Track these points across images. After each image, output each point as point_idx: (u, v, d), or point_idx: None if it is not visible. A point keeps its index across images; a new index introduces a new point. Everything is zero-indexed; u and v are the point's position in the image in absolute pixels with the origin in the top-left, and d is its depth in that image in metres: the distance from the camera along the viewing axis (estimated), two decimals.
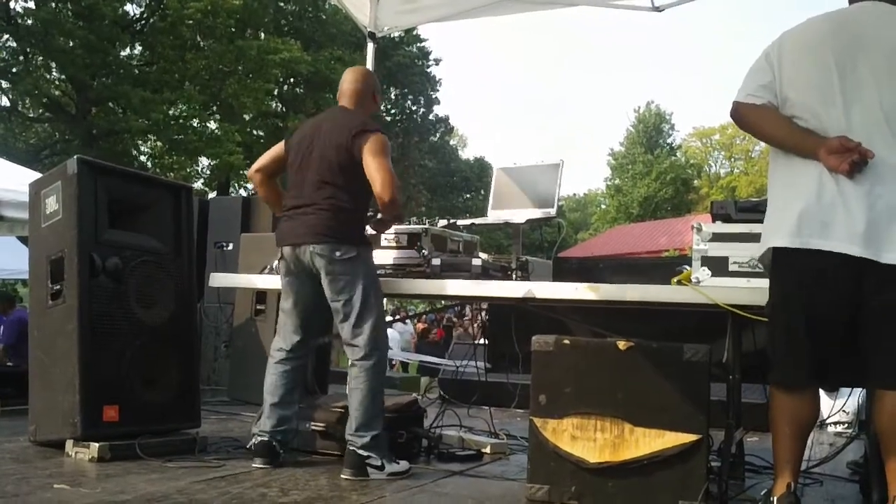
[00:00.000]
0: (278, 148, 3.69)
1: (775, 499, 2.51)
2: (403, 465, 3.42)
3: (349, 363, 3.44)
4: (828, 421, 5.19)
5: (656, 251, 22.63)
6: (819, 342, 2.49)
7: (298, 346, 3.59)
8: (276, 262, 3.59)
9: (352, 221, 3.44)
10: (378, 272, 3.59)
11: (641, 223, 34.99)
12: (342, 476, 3.30)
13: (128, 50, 22.78)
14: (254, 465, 3.45)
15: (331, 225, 3.35)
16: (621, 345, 3.00)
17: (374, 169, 3.33)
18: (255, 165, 3.75)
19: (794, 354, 2.54)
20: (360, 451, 3.32)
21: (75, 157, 3.72)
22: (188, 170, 25.59)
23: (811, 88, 2.54)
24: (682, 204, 40.49)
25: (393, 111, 31.65)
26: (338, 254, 3.34)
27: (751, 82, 2.64)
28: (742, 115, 2.66)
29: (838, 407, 4.90)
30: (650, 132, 43.08)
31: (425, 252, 3.72)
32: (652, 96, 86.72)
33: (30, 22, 19.86)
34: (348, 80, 3.64)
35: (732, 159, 44.35)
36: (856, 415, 4.98)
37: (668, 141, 44.17)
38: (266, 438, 3.49)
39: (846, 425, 5.37)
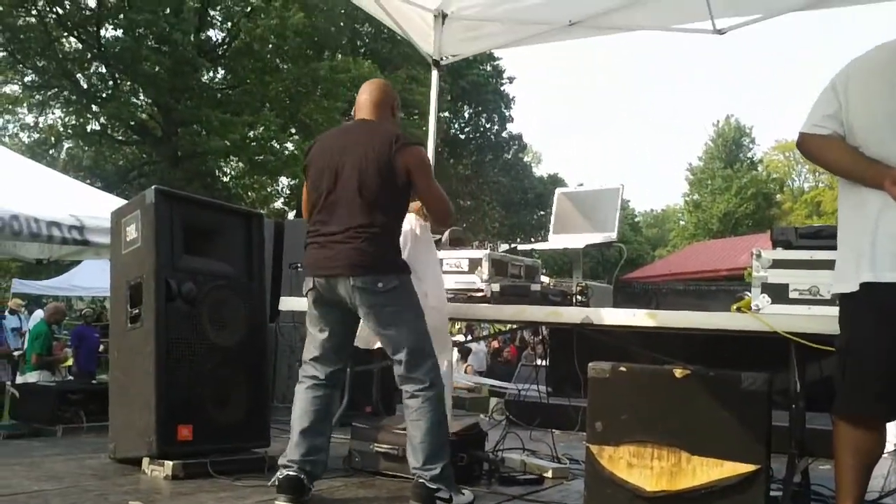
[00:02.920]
0: (306, 187, 3.43)
1: None
2: (468, 496, 3.28)
3: (406, 395, 3.24)
4: None
5: (737, 269, 22.03)
6: (890, 376, 2.46)
7: (332, 376, 3.38)
8: (304, 290, 3.33)
9: (390, 249, 3.24)
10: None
11: (721, 239, 34.15)
12: None
13: (210, 73, 23.65)
14: (277, 503, 3.19)
15: (370, 254, 3.14)
16: (678, 372, 2.99)
17: (430, 197, 3.29)
18: (306, 215, 3.47)
19: (865, 386, 2.50)
20: (430, 485, 3.14)
21: (153, 187, 3.92)
22: (269, 189, 26.32)
23: (878, 117, 2.52)
24: (763, 219, 39.37)
25: (467, 129, 31.90)
26: (380, 285, 3.14)
27: (817, 112, 2.62)
28: (807, 145, 2.65)
29: None
30: (729, 146, 42.16)
31: (485, 277, 3.78)
32: (732, 110, 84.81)
33: (118, 49, 20.80)
34: (365, 92, 3.42)
35: (817, 173, 43.00)
36: None
37: (749, 155, 43.14)
38: (293, 473, 3.22)
39: None
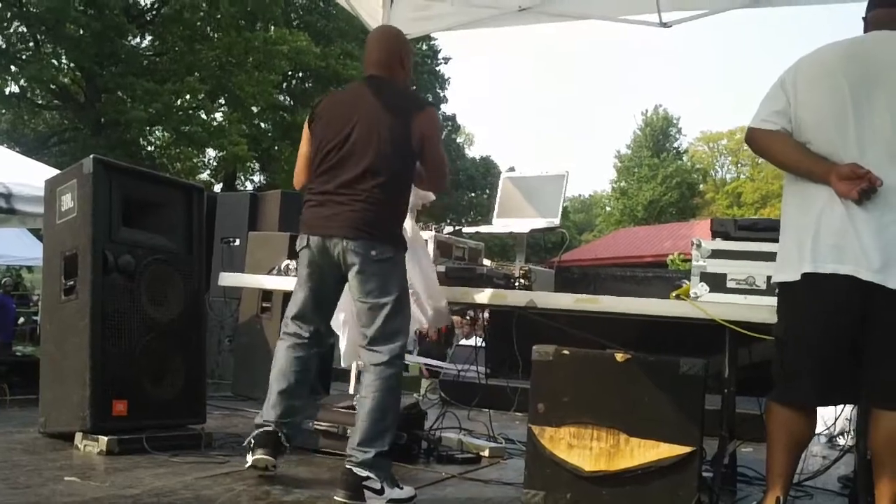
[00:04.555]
0: (307, 144, 3.30)
1: None
2: (408, 491, 3.06)
3: (363, 367, 3.15)
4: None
5: (661, 255, 22.62)
6: (824, 363, 2.57)
7: (315, 335, 3.29)
8: (298, 247, 3.23)
9: (392, 218, 3.14)
10: None
11: (646, 226, 34.98)
12: (336, 498, 2.95)
13: (138, 40, 22.90)
14: (253, 456, 3.14)
15: (370, 220, 3.04)
16: (619, 357, 3.08)
17: (436, 163, 3.20)
18: (297, 178, 3.37)
19: (800, 375, 2.60)
20: (359, 471, 2.95)
21: (91, 156, 3.81)
22: (195, 160, 25.71)
23: (825, 115, 2.59)
24: (686, 208, 40.49)
25: None
26: (374, 252, 3.04)
27: (765, 108, 2.70)
28: (756, 140, 2.72)
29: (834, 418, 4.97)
30: (657, 135, 43.05)
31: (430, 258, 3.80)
32: (660, 100, 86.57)
33: (42, 9, 19.94)
34: (374, 47, 3.28)
35: (739, 165, 44.36)
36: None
37: (675, 145, 44.14)
38: (271, 428, 3.16)
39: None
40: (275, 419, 3.19)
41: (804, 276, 2.56)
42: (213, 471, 3.32)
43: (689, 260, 3.33)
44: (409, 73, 3.35)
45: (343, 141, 3.10)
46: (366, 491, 2.94)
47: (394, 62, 3.26)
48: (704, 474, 3.11)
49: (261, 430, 3.18)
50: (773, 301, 2.84)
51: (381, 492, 2.96)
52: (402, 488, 3.05)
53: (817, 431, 3.40)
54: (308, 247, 3.16)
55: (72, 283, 3.75)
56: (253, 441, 3.18)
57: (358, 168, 3.06)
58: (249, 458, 3.19)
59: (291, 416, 3.25)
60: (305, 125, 3.32)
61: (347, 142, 3.09)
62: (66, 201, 3.84)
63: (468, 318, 10.82)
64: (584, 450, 3.07)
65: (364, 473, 2.95)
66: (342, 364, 3.70)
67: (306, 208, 3.21)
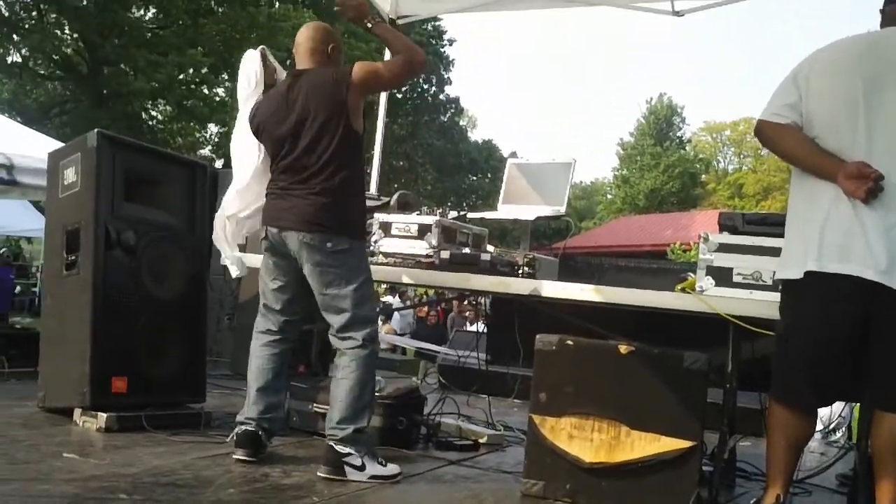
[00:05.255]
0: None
1: None
2: (391, 468, 3.13)
3: (338, 354, 3.19)
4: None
5: (661, 244, 22.61)
6: (826, 364, 2.56)
7: (286, 327, 3.36)
8: (260, 239, 3.31)
9: (347, 209, 3.17)
10: (388, 262, 3.61)
11: (647, 215, 34.96)
12: (318, 473, 3.05)
13: (141, 12, 22.72)
14: (235, 456, 3.20)
15: (323, 211, 3.09)
16: (623, 349, 3.06)
17: (386, 61, 3.24)
18: None
19: (803, 373, 2.59)
20: (339, 448, 3.04)
21: (95, 130, 3.78)
22: (196, 135, 25.60)
23: (836, 111, 2.56)
24: (688, 198, 40.41)
25: (404, 89, 31.53)
26: (329, 245, 3.09)
27: (777, 101, 2.66)
28: (765, 132, 2.69)
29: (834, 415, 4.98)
30: (661, 124, 42.90)
31: (434, 244, 3.77)
32: (665, 88, 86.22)
33: None
34: (301, 41, 3.33)
35: (742, 156, 44.26)
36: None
37: (679, 134, 44.00)
38: (252, 427, 3.24)
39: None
40: (256, 416, 3.27)
41: (808, 274, 2.54)
42: (212, 451, 3.31)
43: (689, 250, 3.31)
44: (339, 60, 3.36)
45: (288, 132, 3.16)
46: (347, 467, 3.03)
47: (320, 53, 3.28)
48: (704, 468, 3.11)
49: (242, 428, 3.26)
50: (778, 297, 2.82)
51: (362, 468, 3.04)
52: (384, 465, 3.11)
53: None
54: (267, 238, 3.24)
55: (73, 257, 3.73)
56: (235, 439, 3.26)
57: (307, 158, 3.12)
58: (234, 455, 3.24)
59: (271, 413, 3.32)
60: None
61: (291, 132, 3.15)
62: (70, 175, 3.81)
63: (470, 303, 10.81)
64: (585, 441, 3.06)
65: (345, 450, 3.04)
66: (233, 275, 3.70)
67: (267, 199, 3.30)
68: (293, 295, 3.33)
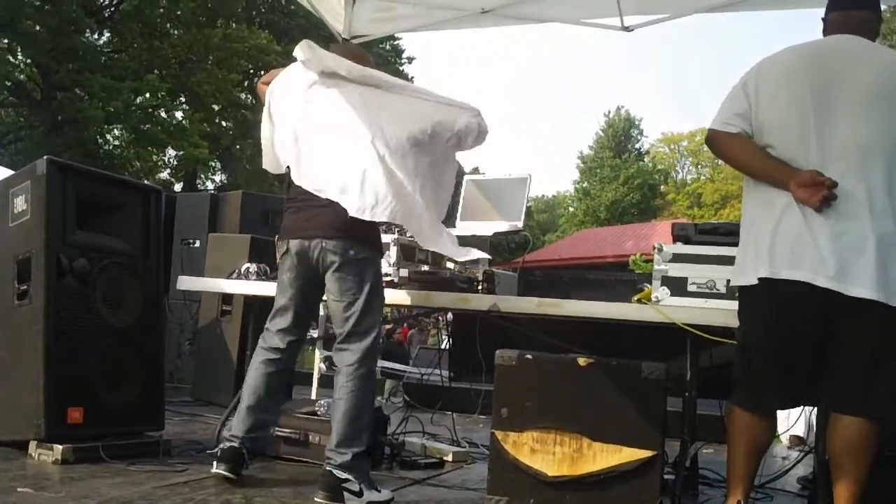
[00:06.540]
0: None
1: None
2: (385, 494, 3.10)
3: (336, 368, 3.20)
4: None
5: (623, 255, 22.80)
6: (785, 368, 2.59)
7: (292, 346, 3.36)
8: (278, 255, 3.31)
9: (367, 221, 3.13)
10: None
11: (609, 227, 35.28)
12: (316, 499, 3.05)
13: (96, 36, 22.50)
14: (214, 469, 3.23)
15: (347, 219, 3.07)
16: (581, 362, 3.08)
17: None
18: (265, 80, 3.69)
19: (761, 379, 2.63)
20: (339, 473, 3.03)
21: (45, 157, 3.70)
22: (154, 159, 25.33)
23: (786, 119, 2.60)
24: (648, 209, 40.93)
25: None
26: (352, 252, 3.12)
27: (726, 110, 2.70)
28: (716, 142, 2.72)
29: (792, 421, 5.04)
30: (619, 137, 43.47)
31: (393, 261, 3.77)
32: (622, 101, 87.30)
33: None
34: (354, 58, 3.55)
35: (700, 166, 44.91)
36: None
37: (637, 146, 44.61)
38: (236, 445, 3.26)
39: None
40: (242, 434, 3.29)
41: (761, 280, 2.58)
42: (170, 479, 3.25)
43: (651, 261, 3.35)
44: None
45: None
46: (345, 493, 3.01)
47: None
48: (666, 477, 3.13)
49: (227, 444, 3.28)
50: (733, 305, 2.86)
51: (359, 494, 3.01)
52: (379, 490, 3.09)
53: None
54: (288, 252, 3.24)
55: (25, 287, 3.64)
56: (219, 452, 3.28)
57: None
58: (213, 468, 3.27)
59: (258, 430, 3.34)
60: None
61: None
62: (20, 203, 3.73)
63: (432, 320, 10.79)
64: (548, 455, 3.06)
65: (343, 476, 3.03)
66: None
67: (286, 215, 3.31)
68: (304, 313, 3.37)
